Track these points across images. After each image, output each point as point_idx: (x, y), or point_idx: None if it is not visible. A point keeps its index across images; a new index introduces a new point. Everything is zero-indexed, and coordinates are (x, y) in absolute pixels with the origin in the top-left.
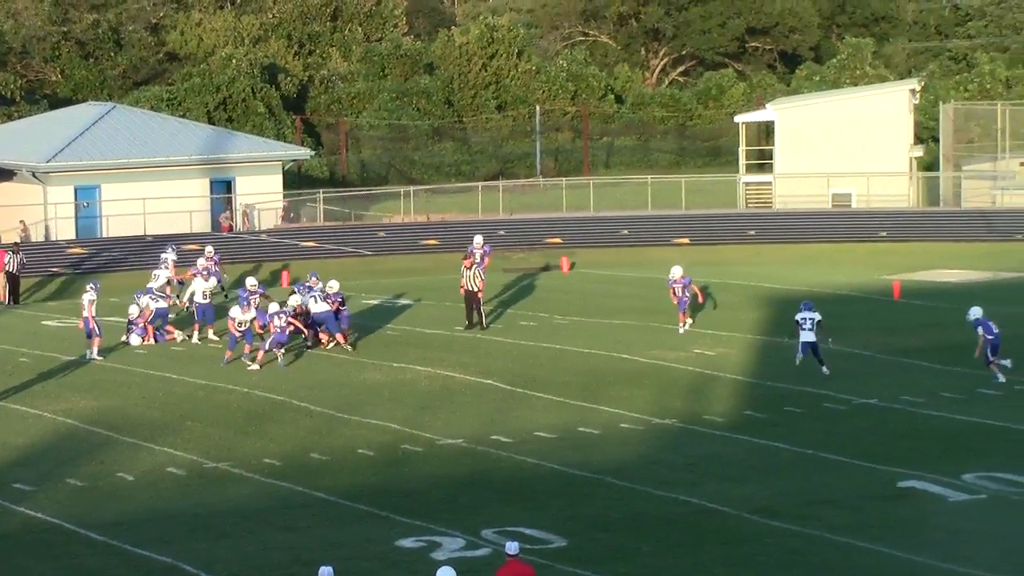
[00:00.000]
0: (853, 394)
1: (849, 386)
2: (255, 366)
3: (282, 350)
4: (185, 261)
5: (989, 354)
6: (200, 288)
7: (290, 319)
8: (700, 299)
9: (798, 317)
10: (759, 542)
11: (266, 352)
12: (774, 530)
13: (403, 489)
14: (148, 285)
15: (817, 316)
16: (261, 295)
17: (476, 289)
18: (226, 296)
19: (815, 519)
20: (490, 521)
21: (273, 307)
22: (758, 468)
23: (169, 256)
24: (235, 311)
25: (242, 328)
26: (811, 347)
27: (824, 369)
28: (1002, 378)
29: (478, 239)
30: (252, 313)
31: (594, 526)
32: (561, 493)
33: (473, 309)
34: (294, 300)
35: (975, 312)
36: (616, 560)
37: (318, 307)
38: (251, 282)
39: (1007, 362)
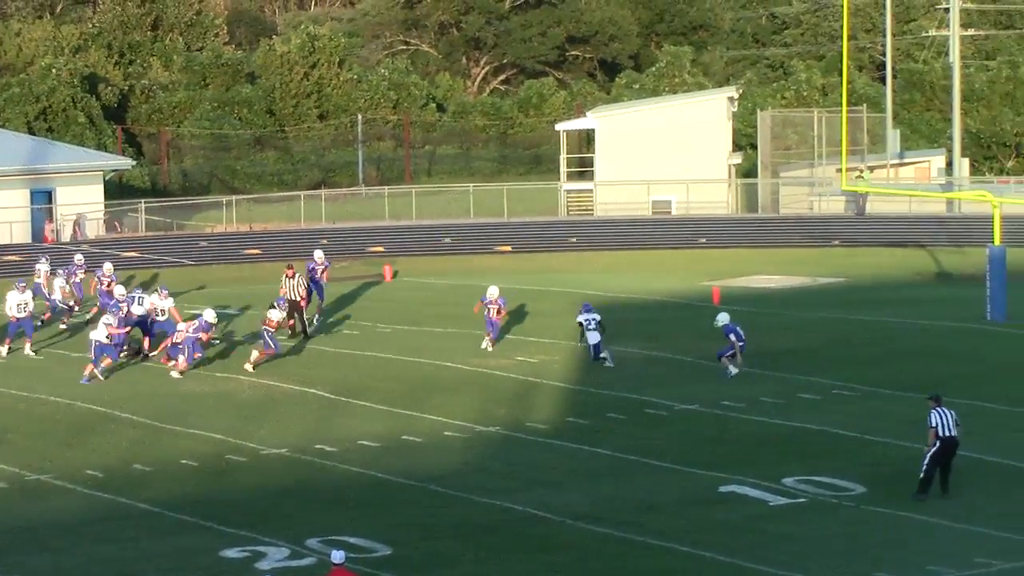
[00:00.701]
0: (674, 400)
1: (670, 392)
2: (249, 367)
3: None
4: (13, 272)
5: (728, 353)
6: (15, 301)
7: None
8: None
9: (580, 319)
10: (582, 548)
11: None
12: (596, 536)
13: (227, 499)
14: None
15: (598, 316)
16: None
17: (299, 298)
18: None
19: (637, 525)
20: (315, 530)
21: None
22: (581, 475)
23: (42, 267)
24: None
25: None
26: (594, 347)
27: (608, 363)
28: (734, 370)
29: (319, 254)
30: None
31: (418, 534)
32: (385, 501)
33: (296, 318)
34: (209, 315)
35: (723, 318)
36: (440, 568)
37: (139, 310)
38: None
39: (736, 367)
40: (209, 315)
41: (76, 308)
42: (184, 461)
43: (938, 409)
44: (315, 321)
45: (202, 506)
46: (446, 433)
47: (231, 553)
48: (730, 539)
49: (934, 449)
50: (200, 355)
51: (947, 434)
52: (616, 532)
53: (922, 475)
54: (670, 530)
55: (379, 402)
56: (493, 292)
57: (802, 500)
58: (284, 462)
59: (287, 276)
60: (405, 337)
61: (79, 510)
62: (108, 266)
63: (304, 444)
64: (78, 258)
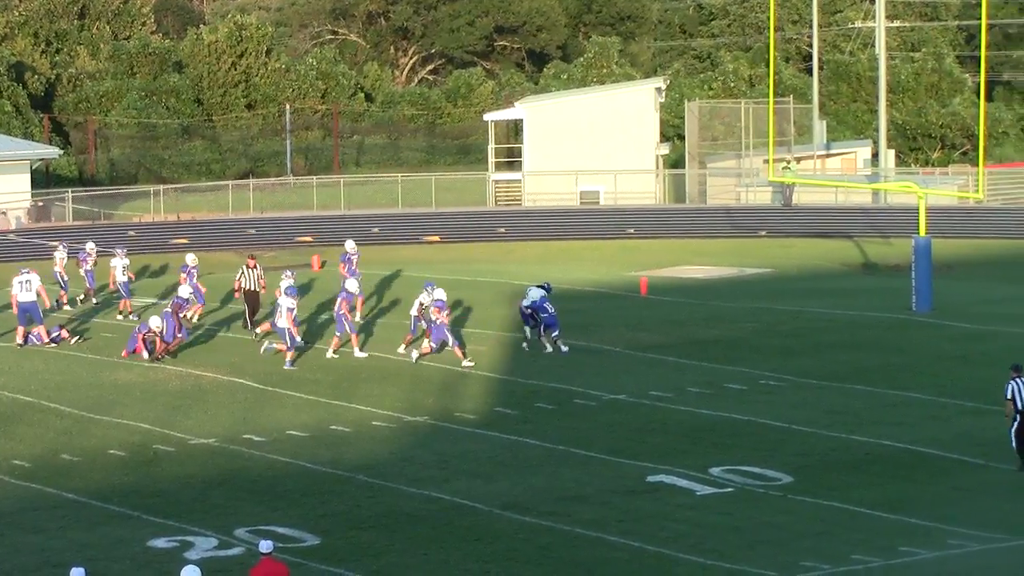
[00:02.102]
0: (602, 390)
1: (598, 382)
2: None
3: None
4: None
5: (543, 331)
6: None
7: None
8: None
9: (524, 304)
10: (510, 538)
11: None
12: (525, 526)
13: (155, 489)
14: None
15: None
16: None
17: (258, 289)
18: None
19: (566, 515)
20: (243, 520)
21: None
22: (509, 465)
23: (58, 254)
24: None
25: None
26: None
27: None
28: (550, 348)
29: (351, 244)
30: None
31: (346, 524)
32: (313, 491)
33: (255, 310)
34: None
35: (533, 293)
36: (368, 557)
37: (24, 296)
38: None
39: (564, 347)
40: (183, 291)
41: (92, 297)
42: (112, 451)
43: (1017, 380)
44: (358, 317)
45: (130, 496)
46: (374, 423)
47: (159, 543)
48: (658, 529)
49: (1015, 424)
50: (184, 336)
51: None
52: (544, 522)
53: (1017, 454)
54: (598, 520)
55: (307, 392)
56: (439, 293)
57: (729, 490)
58: (212, 452)
59: (248, 267)
60: (334, 327)
61: (6, 500)
62: (91, 245)
63: (232, 434)
64: (90, 245)
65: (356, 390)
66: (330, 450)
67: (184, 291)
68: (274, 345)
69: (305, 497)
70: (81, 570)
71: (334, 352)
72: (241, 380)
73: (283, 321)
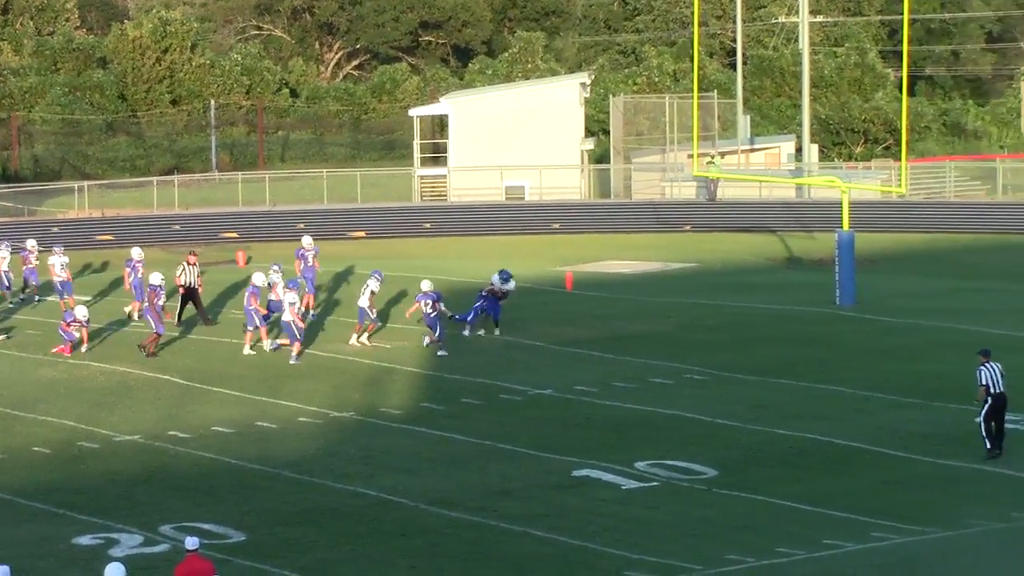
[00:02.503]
0: (528, 385)
1: (524, 377)
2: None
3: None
4: None
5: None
6: None
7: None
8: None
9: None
10: (437, 533)
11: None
12: (452, 521)
13: (80, 486)
14: None
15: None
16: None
17: (196, 286)
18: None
19: (492, 510)
20: (168, 517)
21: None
22: (436, 460)
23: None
24: None
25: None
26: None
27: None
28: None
29: (307, 239)
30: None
31: (272, 520)
32: (239, 487)
33: (195, 305)
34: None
35: (426, 285)
36: (294, 553)
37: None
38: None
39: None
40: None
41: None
42: (36, 448)
43: (987, 365)
44: (311, 315)
45: (55, 493)
46: (300, 419)
47: (84, 540)
48: (584, 523)
49: (986, 408)
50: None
51: (997, 390)
52: (471, 517)
53: (984, 437)
54: (524, 514)
55: (233, 388)
56: (425, 285)
57: (655, 484)
58: (137, 449)
59: (187, 263)
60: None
61: None
62: (31, 242)
63: (158, 431)
64: (31, 243)
65: (282, 386)
66: (256, 446)
67: (155, 278)
68: (279, 342)
69: (231, 493)
70: (6, 568)
71: (250, 348)
72: (167, 376)
73: (287, 315)
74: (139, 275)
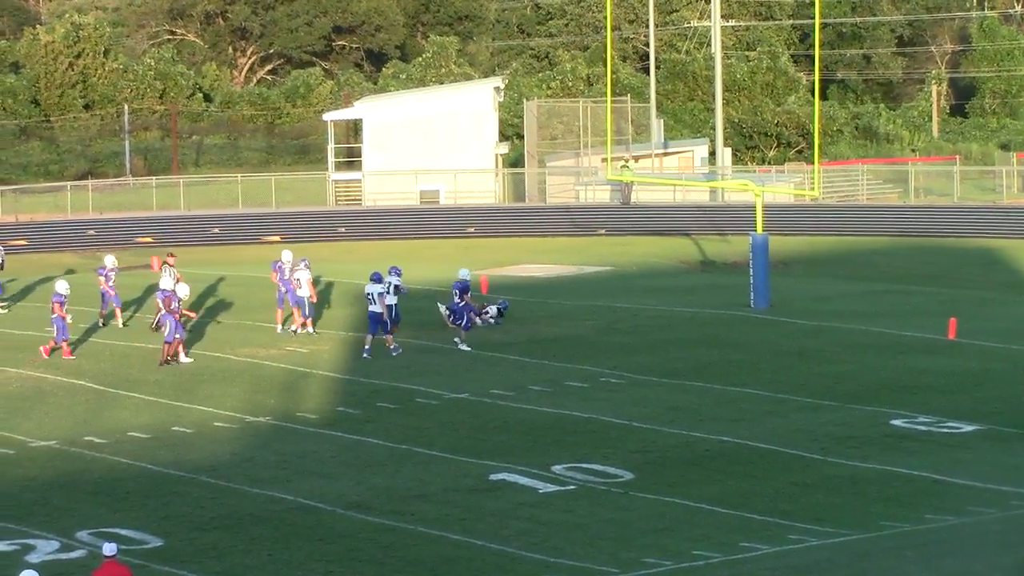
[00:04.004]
0: (444, 389)
1: (440, 381)
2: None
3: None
4: None
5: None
6: None
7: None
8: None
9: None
10: (353, 538)
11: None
12: (368, 525)
13: None
14: None
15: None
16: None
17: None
18: None
19: (408, 513)
20: (85, 522)
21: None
22: (351, 464)
23: None
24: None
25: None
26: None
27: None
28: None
29: (287, 254)
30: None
31: (188, 525)
32: (155, 493)
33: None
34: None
35: (463, 273)
36: (211, 559)
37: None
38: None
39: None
40: None
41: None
42: None
43: None
44: (296, 331)
45: None
46: (216, 424)
47: (0, 546)
48: (501, 526)
49: None
50: (181, 335)
51: None
52: (387, 521)
53: None
54: (441, 518)
55: (149, 393)
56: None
57: (571, 487)
58: (53, 454)
59: (168, 264)
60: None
61: None
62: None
63: (73, 436)
64: (110, 260)
65: (197, 391)
66: (172, 451)
67: (166, 283)
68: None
69: (148, 499)
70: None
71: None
72: (81, 382)
73: (304, 290)
74: (111, 283)
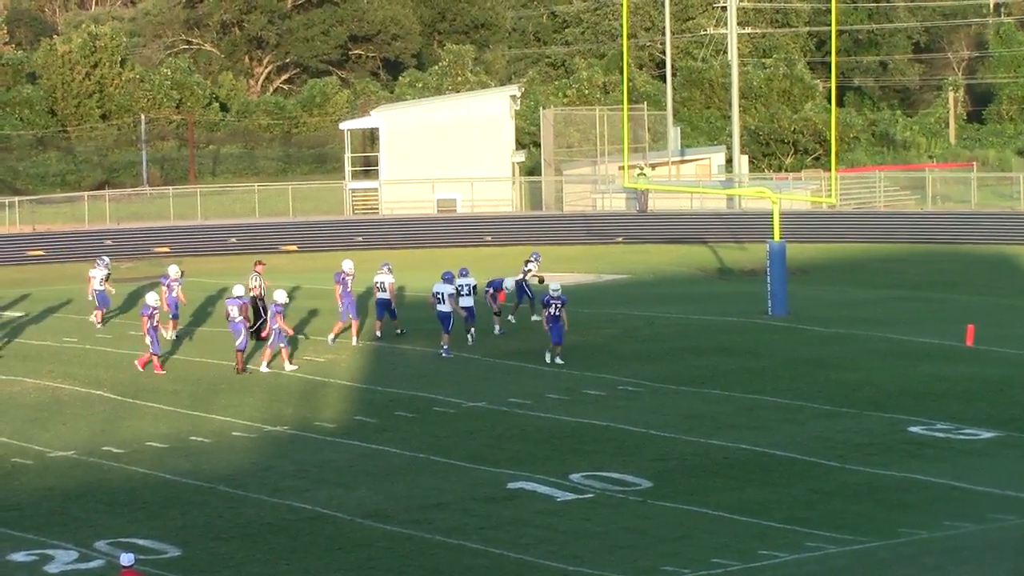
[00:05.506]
0: (462, 397)
1: (458, 390)
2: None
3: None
4: None
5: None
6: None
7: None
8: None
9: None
10: (372, 547)
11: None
12: (386, 534)
13: (13, 502)
14: None
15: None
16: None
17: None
18: None
19: (427, 522)
20: (103, 532)
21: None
22: (370, 473)
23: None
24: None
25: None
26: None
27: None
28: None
29: (348, 264)
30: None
31: (207, 535)
32: (173, 502)
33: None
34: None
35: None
36: (229, 568)
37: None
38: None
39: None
40: None
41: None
42: None
43: None
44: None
45: None
46: (234, 433)
47: (18, 557)
48: (518, 535)
49: None
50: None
51: None
52: (405, 530)
53: None
54: (459, 527)
55: (166, 403)
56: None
57: (590, 496)
58: (71, 464)
59: (257, 272)
60: (191, 338)
61: None
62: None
63: (91, 446)
64: (174, 270)
65: (215, 400)
66: (190, 461)
67: (238, 290)
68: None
69: (165, 509)
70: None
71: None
72: (99, 392)
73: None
74: (174, 293)
